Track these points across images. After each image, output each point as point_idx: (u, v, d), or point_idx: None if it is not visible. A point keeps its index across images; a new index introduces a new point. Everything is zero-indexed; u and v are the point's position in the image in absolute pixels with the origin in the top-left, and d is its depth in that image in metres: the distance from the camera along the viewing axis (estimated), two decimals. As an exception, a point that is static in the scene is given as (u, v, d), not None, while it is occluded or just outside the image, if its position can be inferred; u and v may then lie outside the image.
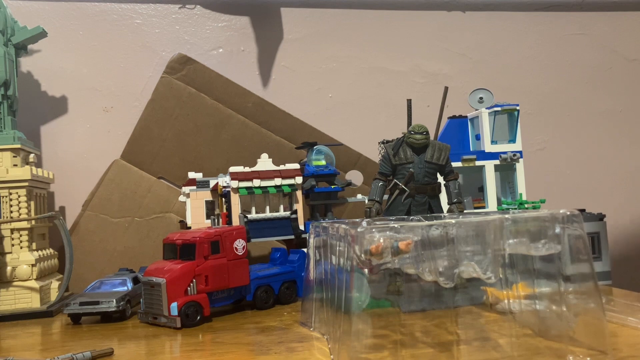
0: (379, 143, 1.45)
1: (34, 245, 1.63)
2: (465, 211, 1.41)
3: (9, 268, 1.55)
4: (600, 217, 1.45)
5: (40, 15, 1.99)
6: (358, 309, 0.89)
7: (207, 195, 1.69)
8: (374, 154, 1.67)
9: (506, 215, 0.93)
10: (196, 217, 1.68)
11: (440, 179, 1.42)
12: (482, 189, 1.74)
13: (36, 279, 1.57)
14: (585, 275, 0.90)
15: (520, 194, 1.69)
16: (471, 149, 1.83)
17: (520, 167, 1.72)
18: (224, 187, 1.62)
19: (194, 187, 1.69)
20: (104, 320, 1.38)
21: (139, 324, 1.32)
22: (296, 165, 1.64)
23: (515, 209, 1.61)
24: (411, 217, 1.15)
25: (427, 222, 0.91)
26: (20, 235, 1.60)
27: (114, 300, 1.35)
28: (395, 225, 0.88)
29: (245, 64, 2.14)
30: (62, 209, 1.97)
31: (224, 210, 1.63)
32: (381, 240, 0.87)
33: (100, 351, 1.04)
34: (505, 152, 1.70)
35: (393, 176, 1.39)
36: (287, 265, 1.53)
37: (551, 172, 2.33)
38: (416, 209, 1.36)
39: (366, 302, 0.90)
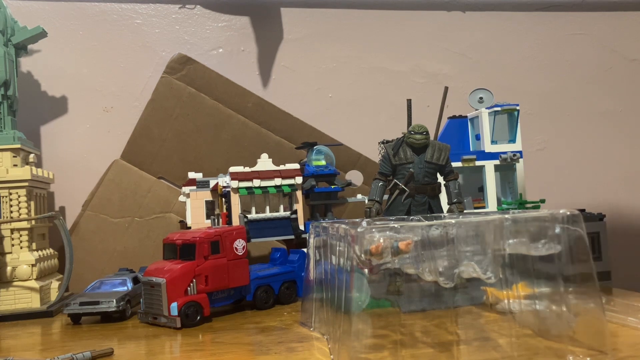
0: (379, 143, 1.45)
1: (34, 245, 1.63)
2: (465, 211, 1.41)
3: (9, 268, 1.55)
4: (600, 217, 1.45)
5: (40, 15, 1.99)
6: (358, 309, 0.89)
7: (207, 195, 1.69)
8: (374, 154, 1.67)
9: (506, 215, 0.93)
10: (196, 217, 1.68)
11: (440, 179, 1.42)
12: (482, 189, 1.74)
13: (36, 279, 1.57)
14: (585, 275, 0.90)
15: (520, 194, 1.69)
16: (471, 149, 1.83)
17: (520, 167, 1.72)
18: (224, 187, 1.62)
19: (194, 187, 1.69)
20: (104, 320, 1.38)
21: (139, 324, 1.32)
22: (296, 165, 1.64)
23: (515, 209, 1.61)
24: (411, 217, 1.15)
25: (427, 222, 0.91)
26: (20, 235, 1.60)
27: (114, 300, 1.35)
28: (395, 225, 0.88)
29: (245, 64, 2.14)
30: (62, 209, 1.97)
31: (224, 210, 1.63)
32: (381, 240, 0.87)
33: (100, 351, 1.04)
34: (505, 152, 1.70)
35: (393, 176, 1.39)
36: (287, 265, 1.53)
37: (551, 172, 2.33)
38: (416, 209, 1.35)
39: (366, 302, 0.90)
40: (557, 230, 0.91)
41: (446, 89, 1.63)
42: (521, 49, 2.36)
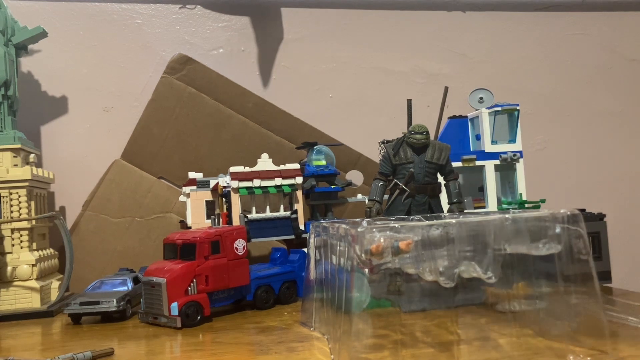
0: (379, 143, 1.45)
1: (34, 245, 1.63)
2: (465, 211, 1.41)
3: (9, 268, 1.55)
4: (600, 217, 1.45)
5: (40, 15, 1.99)
6: (358, 309, 0.89)
7: (207, 195, 1.69)
8: (374, 154, 1.67)
9: (506, 215, 0.93)
10: (196, 217, 1.68)
11: (441, 179, 1.42)
12: (482, 189, 1.74)
13: (36, 279, 1.57)
14: (585, 275, 0.90)
15: (520, 194, 1.69)
16: (471, 149, 1.83)
17: (520, 167, 1.72)
18: (224, 187, 1.62)
19: (194, 187, 1.69)
20: (104, 320, 1.38)
21: (139, 324, 1.32)
22: (296, 165, 1.64)
23: (516, 209, 1.61)
24: (411, 217, 1.15)
25: (427, 222, 0.91)
26: (21, 235, 1.60)
27: (114, 300, 1.35)
28: (396, 225, 0.88)
29: (245, 64, 2.14)
30: (62, 209, 1.97)
31: (224, 210, 1.63)
32: (381, 240, 0.87)
33: (100, 351, 1.04)
34: (505, 152, 1.70)
35: (393, 176, 1.39)
36: (288, 265, 1.53)
37: (551, 172, 2.33)
38: (416, 209, 1.36)
39: (366, 302, 0.90)
40: (557, 230, 0.91)
41: (446, 89, 1.63)
42: (521, 49, 2.36)
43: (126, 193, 1.92)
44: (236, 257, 1.36)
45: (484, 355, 0.90)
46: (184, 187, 1.72)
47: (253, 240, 1.55)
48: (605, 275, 1.43)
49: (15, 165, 1.63)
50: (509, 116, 1.75)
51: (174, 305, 1.23)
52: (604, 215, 1.45)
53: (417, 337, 0.94)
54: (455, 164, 1.58)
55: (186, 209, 1.71)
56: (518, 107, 1.72)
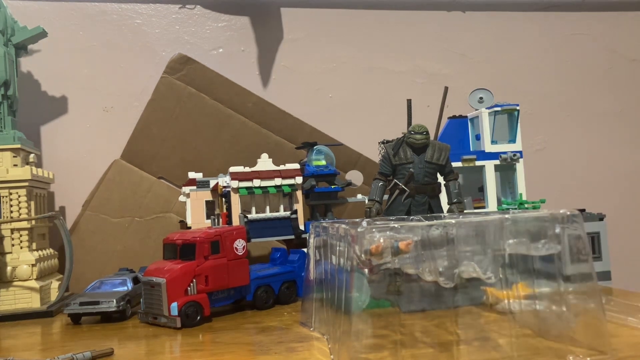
0: (379, 143, 1.45)
1: (34, 245, 1.63)
2: (465, 211, 1.41)
3: (9, 268, 1.55)
4: (600, 217, 1.45)
5: (40, 15, 1.99)
6: (358, 309, 0.89)
7: (207, 195, 1.69)
8: (374, 154, 1.67)
9: (506, 215, 0.93)
10: (196, 217, 1.68)
11: (441, 179, 1.42)
12: (482, 189, 1.74)
13: (36, 279, 1.57)
14: (585, 275, 0.90)
15: (520, 194, 1.69)
16: (471, 149, 1.83)
17: (520, 167, 1.72)
18: (224, 187, 1.62)
19: (194, 187, 1.69)
20: (104, 320, 1.38)
21: (139, 324, 1.32)
22: (296, 165, 1.64)
23: (515, 209, 1.61)
24: (411, 217, 1.15)
25: (427, 222, 0.91)
26: (21, 235, 1.60)
27: (114, 300, 1.35)
28: (395, 225, 0.88)
29: (245, 64, 2.14)
30: (62, 209, 1.97)
31: (224, 210, 1.63)
32: (381, 240, 0.87)
33: (100, 351, 1.04)
34: (505, 152, 1.70)
35: (393, 176, 1.39)
36: (287, 265, 1.53)
37: (551, 172, 2.33)
38: (416, 209, 1.35)
39: (366, 302, 0.90)
40: (557, 230, 0.91)
41: (446, 89, 1.63)
42: (521, 49, 2.36)
43: (126, 193, 1.92)
44: (236, 257, 1.36)
45: (484, 355, 0.90)
46: (183, 187, 1.72)
47: (253, 240, 1.55)
48: (605, 275, 1.43)
49: (15, 165, 1.63)
50: (509, 116, 1.75)
51: (174, 305, 1.23)
52: (604, 215, 1.45)
53: (416, 337, 0.93)
54: (455, 164, 1.58)
55: (186, 209, 1.71)
56: (518, 107, 1.72)
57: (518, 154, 1.71)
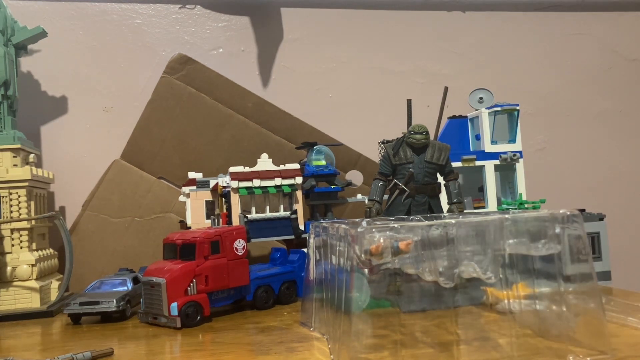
0: (379, 143, 1.45)
1: (34, 245, 1.63)
2: (465, 211, 1.41)
3: (9, 268, 1.55)
4: (600, 217, 1.45)
5: (40, 15, 1.99)
6: (358, 309, 0.89)
7: (207, 195, 1.69)
8: (374, 154, 1.67)
9: (506, 215, 0.93)
10: (196, 217, 1.68)
11: (440, 179, 1.42)
12: (482, 189, 1.74)
13: (36, 279, 1.57)
14: (585, 275, 0.90)
15: (520, 194, 1.69)
16: (471, 149, 1.83)
17: (520, 167, 1.72)
18: (224, 187, 1.62)
19: (194, 187, 1.69)
20: (104, 320, 1.38)
21: (139, 324, 1.32)
22: (296, 165, 1.64)
23: (515, 209, 1.61)
24: (411, 217, 1.15)
25: (427, 222, 0.91)
26: (20, 235, 1.60)
27: (114, 300, 1.35)
28: (395, 225, 0.88)
29: (245, 64, 2.14)
30: (62, 209, 1.97)
31: (224, 210, 1.63)
32: (381, 240, 0.87)
33: (100, 351, 1.04)
34: (505, 152, 1.70)
35: (393, 176, 1.39)
36: (287, 265, 1.53)
37: (551, 172, 2.33)
38: (416, 209, 1.36)
39: (366, 302, 0.90)
40: (557, 230, 0.91)
41: (446, 89, 1.63)
42: (521, 49, 2.36)
43: (126, 193, 1.91)
44: (236, 257, 1.36)
45: (484, 355, 0.90)
46: (183, 187, 1.72)
47: (253, 240, 1.55)
48: (605, 275, 1.43)
49: (15, 165, 1.63)
50: (509, 116, 1.75)
51: (174, 305, 1.23)
52: (604, 216, 1.45)
53: (416, 337, 0.93)
54: (455, 164, 1.58)
55: (186, 209, 1.71)
56: (518, 107, 1.72)
57: (518, 154, 1.71)
